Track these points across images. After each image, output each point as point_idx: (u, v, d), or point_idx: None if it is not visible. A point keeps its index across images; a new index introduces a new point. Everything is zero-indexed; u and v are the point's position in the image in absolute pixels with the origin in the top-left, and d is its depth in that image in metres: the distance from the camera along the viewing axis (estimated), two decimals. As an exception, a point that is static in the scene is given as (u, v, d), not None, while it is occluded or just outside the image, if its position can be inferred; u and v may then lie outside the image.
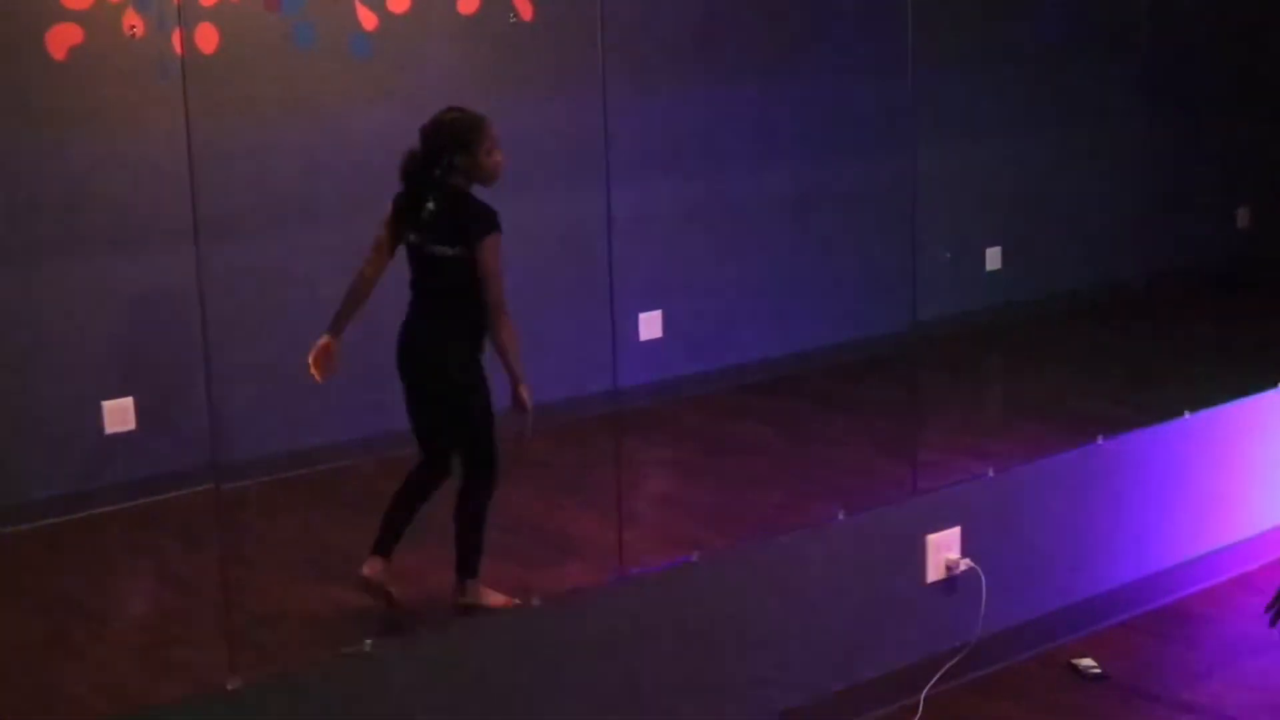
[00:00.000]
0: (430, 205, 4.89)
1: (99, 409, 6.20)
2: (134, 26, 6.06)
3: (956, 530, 5.10)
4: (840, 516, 4.88)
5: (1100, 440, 5.57)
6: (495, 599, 4.92)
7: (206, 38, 6.15)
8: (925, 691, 5.00)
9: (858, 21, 7.88)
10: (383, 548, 4.96)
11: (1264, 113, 9.97)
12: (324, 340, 4.99)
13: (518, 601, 4.70)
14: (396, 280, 4.98)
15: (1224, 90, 9.83)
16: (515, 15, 6.87)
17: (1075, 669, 5.23)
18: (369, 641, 4.00)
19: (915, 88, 5.75)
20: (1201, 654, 5.32)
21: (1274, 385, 6.09)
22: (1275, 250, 9.57)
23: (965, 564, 5.10)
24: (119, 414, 6.23)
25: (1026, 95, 8.88)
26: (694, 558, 4.57)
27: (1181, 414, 5.76)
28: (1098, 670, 5.19)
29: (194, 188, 4.31)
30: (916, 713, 4.93)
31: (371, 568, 4.93)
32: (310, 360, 4.98)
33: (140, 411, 6.27)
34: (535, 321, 7.01)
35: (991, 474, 5.28)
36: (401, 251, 4.98)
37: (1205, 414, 5.84)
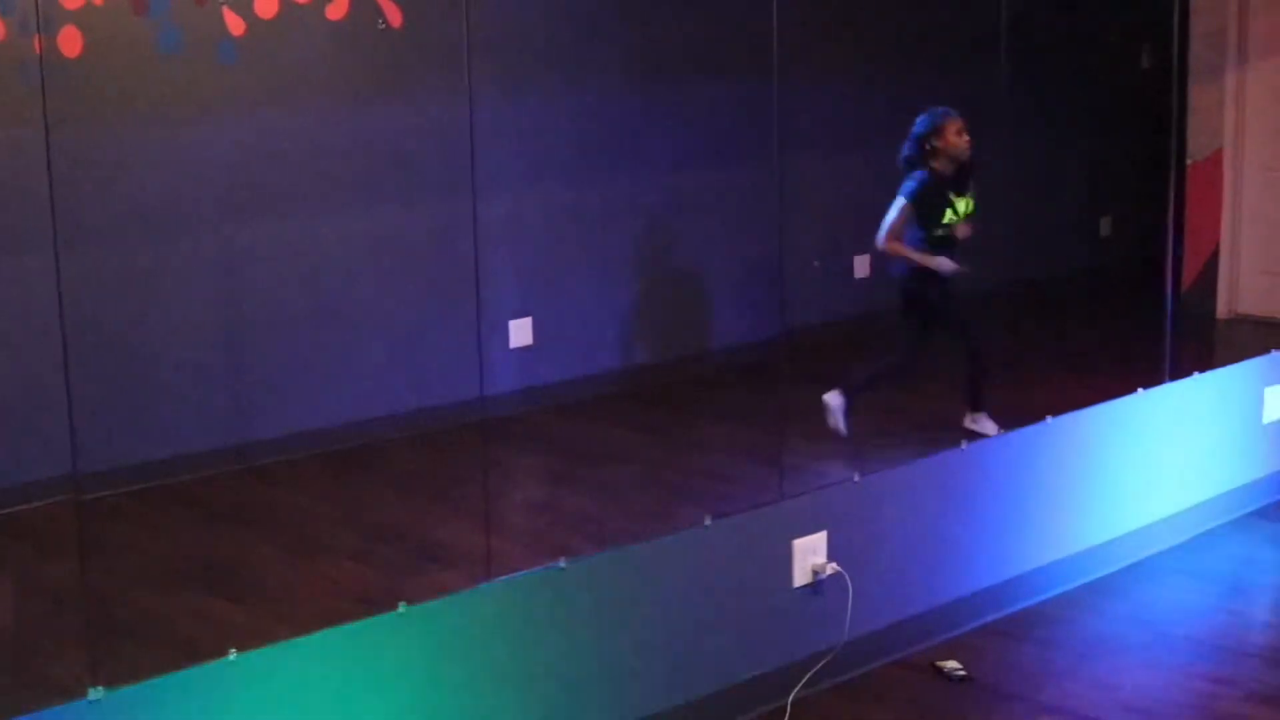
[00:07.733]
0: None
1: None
2: (-5, 29, 5.97)
3: (823, 535, 5.14)
4: (707, 522, 4.90)
5: (964, 445, 5.64)
6: (989, 427, 6.74)
7: (70, 41, 6.07)
8: (792, 695, 5.03)
9: (725, 31, 7.92)
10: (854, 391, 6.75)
11: (1126, 125, 10.16)
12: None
13: (1002, 430, 6.12)
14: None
15: (1088, 103, 10.00)
16: (384, 22, 6.85)
17: (940, 671, 5.28)
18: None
19: (781, 97, 5.79)
20: (1062, 655, 5.39)
21: (1133, 390, 6.19)
22: (1136, 258, 9.74)
23: (831, 568, 5.14)
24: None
25: (894, 105, 8.97)
26: (562, 564, 4.57)
27: (1043, 419, 5.84)
28: (963, 672, 5.25)
29: (53, 193, 4.24)
30: (784, 716, 4.95)
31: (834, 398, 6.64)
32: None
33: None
34: (401, 329, 7.01)
35: (857, 479, 5.32)
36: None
37: (1066, 418, 5.92)
